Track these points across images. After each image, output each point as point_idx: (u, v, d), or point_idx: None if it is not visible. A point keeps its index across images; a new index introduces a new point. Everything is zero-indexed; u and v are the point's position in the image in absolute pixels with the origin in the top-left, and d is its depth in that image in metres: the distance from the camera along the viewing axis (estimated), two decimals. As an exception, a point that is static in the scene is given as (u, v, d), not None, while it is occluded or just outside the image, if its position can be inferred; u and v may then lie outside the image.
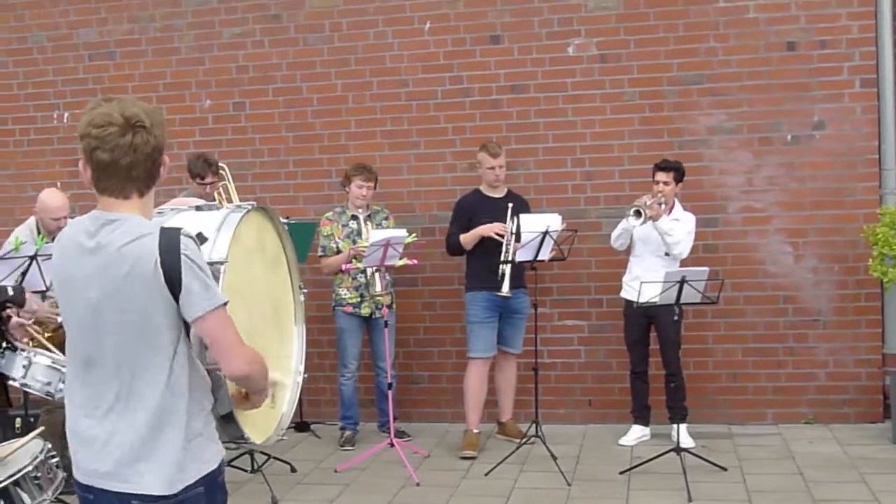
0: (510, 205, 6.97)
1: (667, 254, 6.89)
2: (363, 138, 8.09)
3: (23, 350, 5.07)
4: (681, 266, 6.75)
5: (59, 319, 5.38)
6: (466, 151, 7.78)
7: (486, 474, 6.56)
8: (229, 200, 6.44)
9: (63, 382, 4.94)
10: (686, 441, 6.72)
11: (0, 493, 4.01)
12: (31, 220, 6.68)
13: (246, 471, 6.52)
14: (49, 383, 5.01)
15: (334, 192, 7.98)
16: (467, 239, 7.05)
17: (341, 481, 6.56)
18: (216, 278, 2.99)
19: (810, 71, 7.46)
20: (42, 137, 8.65)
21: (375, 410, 7.63)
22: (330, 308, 7.46)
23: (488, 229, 6.95)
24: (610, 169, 7.74)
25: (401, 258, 6.82)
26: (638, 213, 6.63)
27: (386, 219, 7.43)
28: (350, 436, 7.42)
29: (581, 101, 7.75)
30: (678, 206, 7.04)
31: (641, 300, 6.30)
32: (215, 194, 6.80)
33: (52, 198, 6.51)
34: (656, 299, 6.21)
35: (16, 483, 4.05)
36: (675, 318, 6.48)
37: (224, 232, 3.24)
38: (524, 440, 6.85)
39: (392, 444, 6.84)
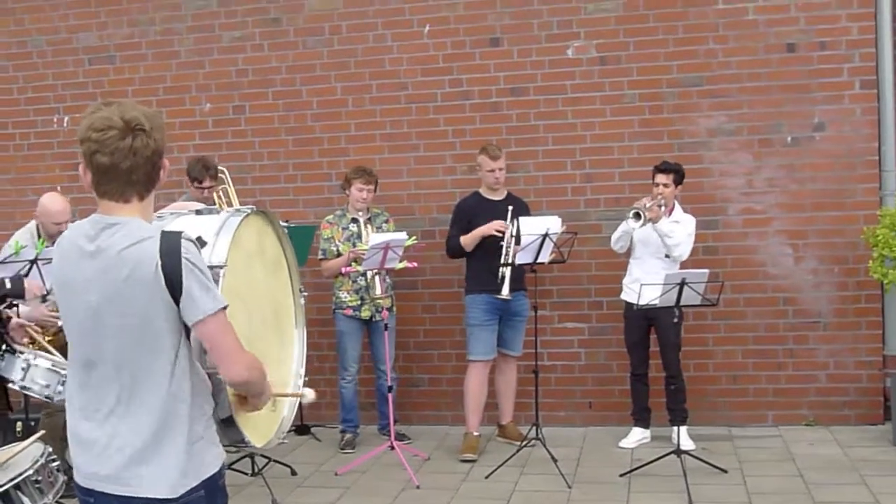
0: (510, 207, 6.98)
1: (667, 256, 6.89)
2: (363, 141, 8.09)
3: (22, 353, 5.07)
4: (681, 268, 6.75)
5: (60, 323, 5.38)
6: (466, 154, 7.78)
7: (487, 477, 6.56)
8: (229, 204, 6.45)
9: (62, 385, 4.95)
10: (686, 443, 6.72)
11: (1, 496, 4.00)
12: (32, 224, 6.68)
13: (246, 474, 6.52)
14: (48, 386, 5.01)
15: (334, 196, 7.98)
16: (468, 240, 7.05)
17: (342, 484, 6.56)
18: (216, 282, 2.99)
19: (810, 72, 7.46)
20: (42, 141, 8.65)
21: (376, 413, 7.63)
22: (330, 311, 7.46)
23: (488, 228, 6.95)
24: (610, 171, 7.74)
25: (401, 261, 6.82)
26: (637, 216, 6.63)
27: (386, 222, 7.43)
28: (350, 439, 7.42)
29: (581, 104, 7.76)
30: (678, 208, 7.04)
31: (641, 302, 6.30)
32: (215, 198, 6.80)
33: (54, 202, 6.51)
34: (656, 301, 6.21)
35: (17, 487, 4.04)
36: (676, 320, 6.48)
37: (223, 236, 3.24)
38: (524, 443, 6.84)
39: (392, 447, 6.84)
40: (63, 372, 4.95)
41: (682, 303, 6.21)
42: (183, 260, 2.66)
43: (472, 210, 7.13)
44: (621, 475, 6.45)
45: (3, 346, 5.08)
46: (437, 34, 7.95)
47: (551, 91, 7.79)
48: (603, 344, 7.76)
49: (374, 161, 7.85)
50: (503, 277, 6.85)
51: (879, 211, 7.19)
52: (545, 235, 6.58)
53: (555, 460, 6.52)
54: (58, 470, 4.31)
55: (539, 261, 6.72)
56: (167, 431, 2.72)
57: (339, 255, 7.25)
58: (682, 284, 6.09)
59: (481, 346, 7.11)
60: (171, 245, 2.67)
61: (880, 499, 5.84)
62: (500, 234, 6.91)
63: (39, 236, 6.52)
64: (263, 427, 3.51)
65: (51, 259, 3.13)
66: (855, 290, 7.47)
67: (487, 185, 7.20)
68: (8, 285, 5.36)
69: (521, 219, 6.82)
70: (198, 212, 3.49)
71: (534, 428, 6.82)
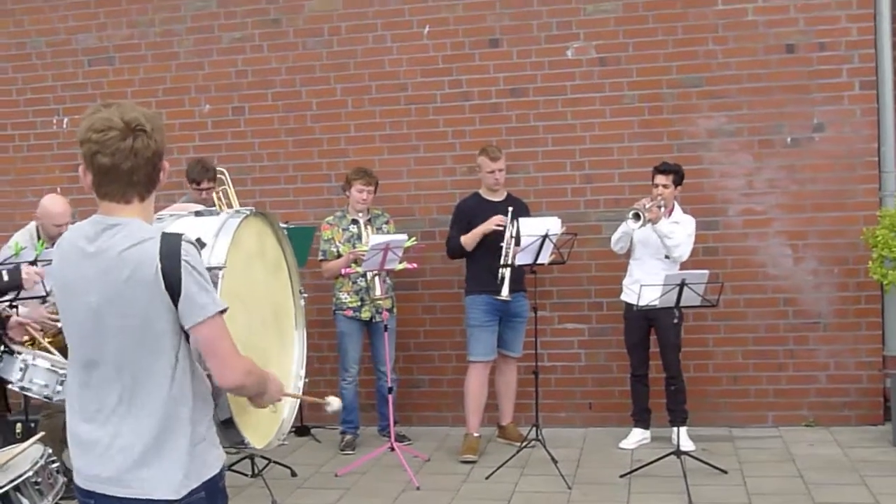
0: (510, 208, 6.98)
1: (667, 257, 6.89)
2: (362, 142, 8.09)
3: (19, 353, 5.07)
4: (681, 269, 6.75)
5: (59, 325, 5.37)
6: (466, 155, 7.78)
7: (487, 478, 6.56)
8: (229, 205, 6.45)
9: (61, 385, 4.95)
10: (686, 444, 6.72)
11: (1, 498, 4.00)
12: (32, 226, 6.68)
13: (246, 475, 6.51)
14: (47, 385, 5.01)
15: (334, 197, 7.98)
16: (468, 240, 7.05)
17: (342, 485, 6.56)
18: (215, 283, 2.98)
19: (810, 73, 7.46)
20: (42, 143, 8.65)
21: (376, 414, 7.63)
22: (330, 312, 7.46)
23: (488, 224, 6.95)
24: (609, 172, 7.74)
25: (400, 262, 6.82)
26: (637, 216, 6.63)
27: (386, 223, 7.43)
28: (350, 440, 7.42)
29: (580, 105, 7.76)
30: (678, 209, 7.04)
31: (641, 303, 6.30)
32: (215, 199, 6.80)
33: (55, 204, 6.51)
34: (656, 302, 6.21)
35: (16, 488, 4.04)
36: (675, 321, 6.48)
37: (222, 237, 3.24)
38: (524, 444, 6.84)
39: (392, 448, 6.84)
40: (62, 371, 4.96)
41: (681, 304, 6.21)
42: (182, 262, 2.65)
43: (472, 211, 7.13)
44: (621, 476, 6.45)
45: (2, 347, 5.07)
46: (436, 35, 7.95)
47: (551, 92, 7.79)
48: (603, 345, 7.76)
49: (374, 162, 7.85)
50: (503, 278, 6.85)
51: (879, 212, 7.19)
52: (545, 236, 6.58)
53: (555, 461, 6.52)
54: (57, 471, 4.30)
55: (539, 262, 6.72)
56: (170, 434, 2.71)
57: (339, 256, 7.25)
58: (681, 285, 6.09)
59: (481, 347, 7.11)
60: (171, 247, 2.67)
61: (880, 499, 5.83)
62: (501, 228, 6.91)
63: (39, 238, 6.52)
64: (263, 428, 3.51)
65: (50, 260, 3.13)
66: (855, 291, 7.47)
67: (487, 186, 7.20)
68: (5, 277, 5.34)
69: (520, 220, 6.83)
70: (197, 213, 3.49)
71: (534, 429, 6.82)
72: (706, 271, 6.31)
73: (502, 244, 6.88)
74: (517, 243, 6.79)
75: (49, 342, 5.57)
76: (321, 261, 7.37)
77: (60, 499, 4.34)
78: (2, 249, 6.37)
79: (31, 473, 4.10)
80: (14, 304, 5.62)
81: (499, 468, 6.63)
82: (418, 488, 6.41)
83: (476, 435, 7.15)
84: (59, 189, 7.80)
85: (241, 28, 8.25)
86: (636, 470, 6.47)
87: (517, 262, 6.75)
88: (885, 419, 7.36)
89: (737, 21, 7.53)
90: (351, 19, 8.08)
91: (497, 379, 7.37)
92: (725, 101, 7.58)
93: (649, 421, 7.25)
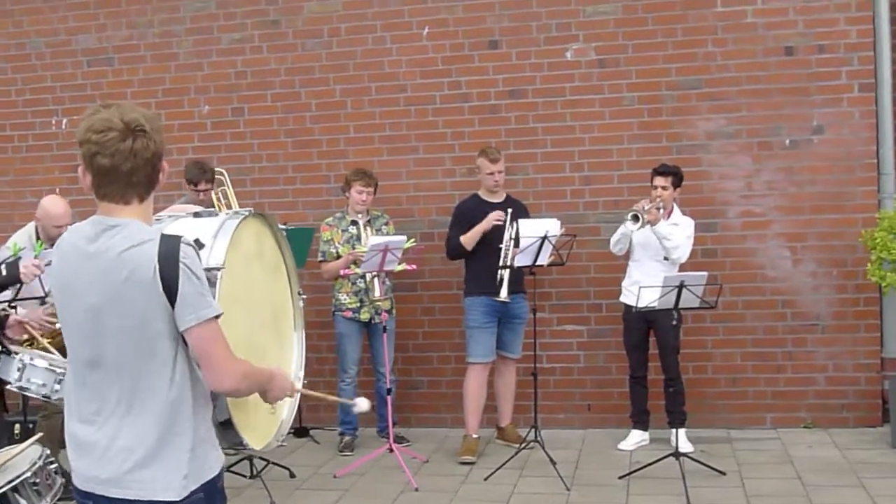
0: (509, 210, 6.98)
1: (666, 258, 6.89)
2: (362, 143, 8.09)
3: (16, 353, 5.06)
4: (680, 271, 6.75)
5: (57, 325, 5.36)
6: (465, 157, 7.78)
7: (486, 479, 6.56)
8: (228, 206, 6.45)
9: (59, 384, 4.94)
10: (685, 446, 6.74)
11: (-1, 499, 4.00)
12: (31, 226, 6.67)
13: (245, 476, 6.51)
14: (45, 385, 4.99)
15: (333, 198, 7.98)
16: (468, 239, 7.04)
17: (340, 486, 6.56)
18: (213, 284, 2.98)
19: (809, 76, 7.47)
20: (41, 144, 8.65)
21: (375, 416, 7.62)
22: (329, 313, 7.46)
23: (487, 221, 6.95)
24: (609, 174, 7.74)
25: (399, 263, 6.83)
26: (636, 218, 6.63)
27: (386, 224, 7.43)
28: (349, 441, 7.42)
29: (579, 106, 7.76)
30: (677, 211, 7.04)
31: (640, 305, 6.30)
32: (214, 200, 6.80)
33: (55, 205, 6.50)
34: (655, 304, 6.21)
35: (14, 489, 4.03)
36: (674, 322, 6.48)
37: (221, 238, 3.24)
38: (523, 445, 6.84)
39: (391, 450, 6.84)
40: (59, 371, 4.95)
41: (680, 305, 6.22)
42: (180, 264, 2.65)
43: (472, 212, 7.13)
44: (620, 477, 6.45)
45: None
46: (435, 36, 7.95)
47: (550, 93, 7.79)
48: (602, 346, 7.76)
49: (373, 163, 7.85)
50: (501, 280, 6.85)
51: (878, 214, 7.20)
52: (544, 238, 6.58)
53: (553, 462, 6.52)
54: (56, 472, 4.30)
55: (538, 263, 6.72)
56: (171, 435, 2.71)
57: (338, 257, 7.25)
58: (680, 287, 6.10)
59: (480, 349, 7.11)
60: (169, 249, 2.66)
61: (878, 501, 5.83)
62: (500, 223, 6.92)
63: (38, 238, 6.51)
64: (262, 430, 3.51)
65: (49, 262, 3.13)
66: (853, 293, 7.47)
67: (486, 188, 7.20)
68: (3, 272, 5.32)
69: (520, 221, 6.83)
70: (196, 214, 3.49)
71: (533, 430, 6.82)
72: (705, 273, 6.31)
73: (501, 246, 6.88)
74: (516, 245, 6.79)
75: (49, 343, 5.56)
76: (320, 262, 7.37)
77: (59, 500, 4.33)
78: (0, 250, 6.36)
79: (29, 474, 4.09)
80: (13, 304, 5.61)
81: (497, 469, 6.63)
82: (417, 489, 6.40)
83: (475, 436, 7.15)
84: (57, 190, 7.80)
85: (241, 29, 8.26)
86: (635, 471, 6.47)
87: (516, 264, 6.75)
88: (883, 421, 7.36)
89: (736, 23, 7.54)
90: (350, 20, 8.08)
91: (496, 380, 7.37)
92: (724, 103, 7.58)
93: (648, 422, 7.25)
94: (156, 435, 2.70)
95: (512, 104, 7.86)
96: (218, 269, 3.12)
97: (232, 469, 6.41)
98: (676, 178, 6.97)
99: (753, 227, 7.59)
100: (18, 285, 5.65)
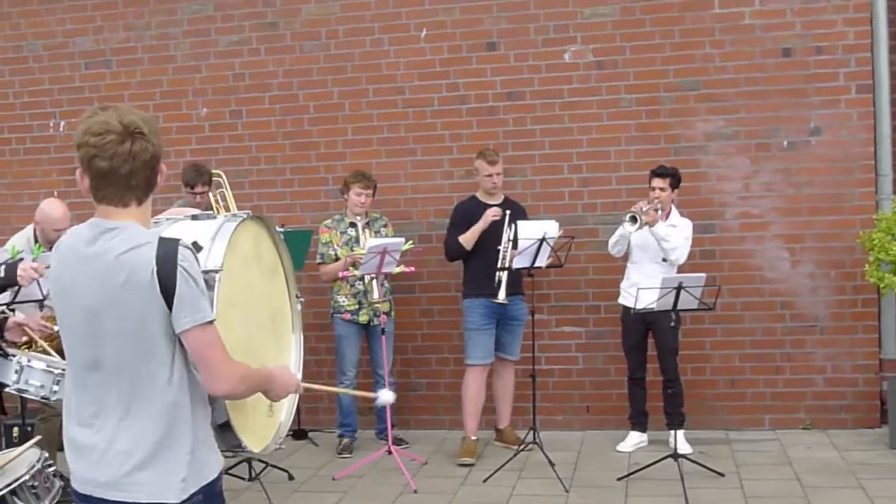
0: (508, 212, 6.98)
1: (664, 260, 6.89)
2: (360, 146, 8.09)
3: (14, 356, 5.05)
4: (678, 272, 6.76)
5: (56, 328, 5.35)
6: (463, 158, 7.78)
7: (484, 481, 6.56)
8: (227, 208, 6.45)
9: (57, 384, 4.93)
10: (684, 447, 6.74)
11: (-3, 502, 4.00)
12: (29, 229, 6.66)
13: (244, 479, 6.50)
14: (43, 386, 4.99)
15: (331, 200, 7.98)
16: (467, 238, 7.04)
17: (339, 489, 6.55)
18: (212, 287, 2.98)
19: (806, 77, 7.47)
20: (38, 146, 8.64)
21: (373, 418, 7.62)
22: (328, 315, 7.45)
23: (484, 219, 6.95)
24: (607, 175, 7.75)
25: (398, 265, 6.83)
26: (634, 219, 6.63)
27: (385, 226, 7.43)
28: (348, 443, 7.41)
29: (577, 108, 7.76)
30: (675, 212, 7.04)
31: (639, 306, 6.30)
32: (212, 202, 6.81)
33: (55, 208, 6.49)
34: (653, 305, 6.21)
35: (13, 493, 4.03)
36: (673, 324, 6.48)
37: (219, 241, 3.23)
38: (522, 447, 6.84)
39: (390, 452, 6.84)
40: (57, 371, 4.95)
41: (679, 307, 6.22)
42: (178, 267, 2.65)
43: (470, 213, 7.12)
44: (619, 479, 6.45)
45: None
46: (433, 38, 7.96)
47: (548, 95, 7.79)
48: (600, 348, 7.76)
49: (371, 165, 7.85)
50: (500, 282, 6.85)
51: (876, 215, 7.20)
52: (542, 240, 6.58)
53: (552, 464, 6.52)
54: (54, 475, 4.30)
55: (536, 265, 6.72)
56: (170, 438, 2.71)
57: (337, 259, 7.25)
58: (678, 288, 6.10)
59: (479, 351, 7.11)
60: (167, 251, 2.66)
61: (877, 502, 5.84)
62: (498, 218, 6.94)
63: (36, 241, 6.50)
64: (260, 432, 3.51)
65: (47, 265, 3.12)
66: (852, 294, 7.48)
67: (485, 190, 7.20)
68: (1, 273, 5.31)
69: (518, 223, 6.83)
70: (194, 217, 3.48)
71: (531, 432, 6.82)
72: (703, 274, 6.32)
73: (499, 247, 6.88)
74: (514, 246, 6.79)
75: (49, 346, 5.55)
76: (319, 264, 7.37)
77: (57, 503, 4.33)
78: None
79: (27, 477, 4.09)
80: (12, 308, 5.60)
81: (496, 471, 6.63)
82: (416, 491, 6.40)
83: (473, 438, 7.15)
84: (55, 192, 7.80)
85: (238, 31, 8.26)
86: (633, 473, 6.47)
87: (514, 266, 6.75)
88: (881, 422, 7.36)
89: (734, 25, 7.54)
90: (348, 22, 8.08)
91: (494, 382, 7.37)
92: (722, 105, 7.59)
93: (647, 424, 7.25)
94: (154, 437, 2.70)
95: (510, 106, 7.86)
96: (216, 272, 3.11)
97: (230, 471, 6.40)
98: (674, 179, 6.98)
99: (751, 228, 7.59)
100: (16, 288, 5.64)
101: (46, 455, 4.32)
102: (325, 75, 8.13)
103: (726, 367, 7.63)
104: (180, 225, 3.37)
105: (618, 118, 7.71)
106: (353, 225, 7.31)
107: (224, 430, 3.13)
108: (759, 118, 7.54)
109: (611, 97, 7.71)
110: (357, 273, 6.93)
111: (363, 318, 7.29)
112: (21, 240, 6.53)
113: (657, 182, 6.93)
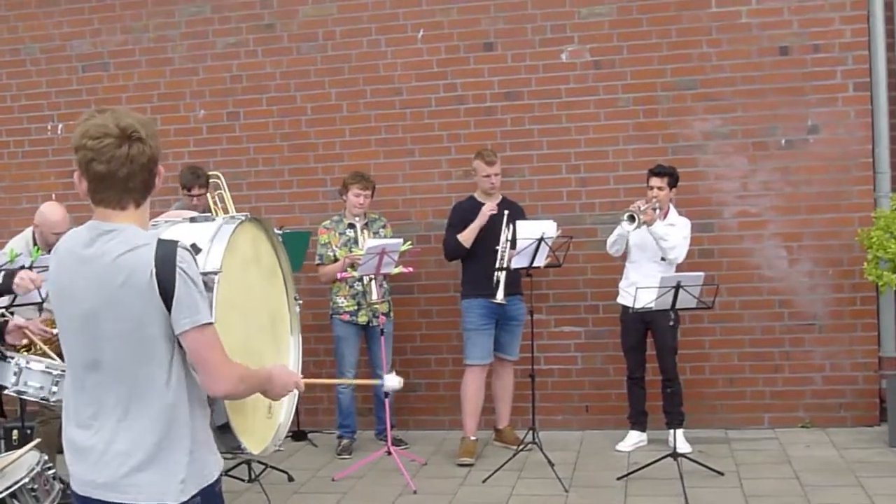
0: (506, 212, 6.98)
1: (663, 259, 6.90)
2: (358, 147, 8.10)
3: (11, 358, 5.05)
4: (676, 271, 6.76)
5: (55, 331, 5.35)
6: (461, 159, 7.79)
7: (484, 481, 6.56)
8: (225, 210, 6.46)
9: (56, 385, 4.93)
10: (683, 446, 6.74)
11: (-3, 505, 4.00)
12: (28, 232, 6.66)
13: (243, 480, 6.50)
14: (42, 387, 4.99)
15: (329, 201, 7.98)
16: (466, 235, 7.04)
17: (339, 490, 6.55)
18: (210, 289, 2.98)
19: (804, 75, 7.48)
20: (36, 149, 8.64)
21: (373, 419, 7.63)
22: (327, 316, 7.45)
23: (481, 217, 6.96)
24: (605, 175, 7.75)
25: (396, 266, 6.83)
26: (632, 218, 6.64)
27: (383, 227, 7.43)
28: (347, 444, 7.41)
29: (575, 108, 7.76)
30: (673, 211, 7.05)
31: (637, 306, 6.30)
32: (210, 204, 6.81)
33: (54, 211, 6.49)
34: (652, 305, 6.21)
35: (13, 495, 4.03)
36: (671, 323, 6.48)
37: (218, 243, 3.24)
38: (521, 447, 6.84)
39: (389, 452, 6.84)
40: (56, 372, 4.95)
41: (677, 306, 6.22)
42: (177, 269, 2.66)
43: (468, 213, 7.12)
44: (618, 478, 6.45)
45: None
46: (430, 39, 7.96)
47: (545, 95, 7.80)
48: (599, 348, 7.76)
49: (369, 166, 7.85)
50: (498, 282, 6.85)
51: (874, 213, 7.20)
52: (540, 240, 6.59)
53: (552, 464, 6.52)
54: (54, 478, 4.30)
55: (535, 265, 6.72)
56: (169, 440, 2.71)
57: (335, 260, 7.25)
58: (677, 287, 6.10)
59: (478, 351, 7.11)
60: (166, 253, 2.67)
61: (876, 500, 5.84)
62: (494, 212, 6.95)
63: (35, 244, 6.50)
64: (260, 433, 3.51)
65: (46, 267, 3.12)
66: (850, 293, 7.48)
67: (483, 190, 7.20)
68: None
69: (516, 223, 6.83)
70: (192, 219, 3.48)
71: (531, 432, 6.82)
72: (702, 273, 6.32)
73: (498, 248, 6.88)
74: (513, 247, 6.80)
75: (49, 349, 5.55)
76: (318, 265, 7.37)
77: (57, 505, 4.34)
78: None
79: (27, 480, 4.09)
80: (11, 310, 5.60)
81: (496, 471, 6.63)
82: (415, 492, 6.40)
83: (473, 438, 7.15)
84: (53, 195, 7.81)
85: (236, 33, 8.26)
86: (633, 472, 6.47)
87: (513, 266, 6.76)
88: (880, 420, 7.37)
89: (730, 23, 7.55)
90: (345, 24, 8.08)
91: (494, 382, 7.37)
92: (720, 104, 7.59)
93: (646, 423, 7.25)
94: (153, 439, 2.70)
95: (507, 106, 7.87)
96: (215, 274, 3.11)
97: (230, 473, 6.40)
98: (672, 178, 6.98)
99: (750, 227, 7.60)
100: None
101: (46, 458, 4.32)
102: (322, 77, 8.13)
103: (725, 366, 7.63)
104: (179, 227, 3.37)
105: (615, 118, 7.71)
106: (351, 226, 7.31)
107: (223, 432, 3.13)
108: (756, 117, 7.54)
109: (608, 97, 7.72)
110: (356, 274, 6.93)
111: (362, 319, 7.29)
112: (20, 243, 6.52)
113: (655, 181, 6.94)
